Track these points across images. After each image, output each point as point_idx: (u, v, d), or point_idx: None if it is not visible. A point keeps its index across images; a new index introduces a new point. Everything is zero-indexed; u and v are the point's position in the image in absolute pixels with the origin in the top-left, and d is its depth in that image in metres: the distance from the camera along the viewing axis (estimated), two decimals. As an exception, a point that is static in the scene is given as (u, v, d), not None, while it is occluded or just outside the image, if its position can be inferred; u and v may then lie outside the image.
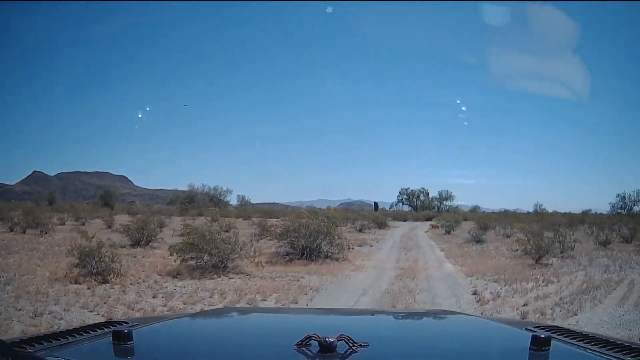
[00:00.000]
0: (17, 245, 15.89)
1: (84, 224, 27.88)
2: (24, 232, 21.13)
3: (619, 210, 54.57)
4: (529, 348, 1.23)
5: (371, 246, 19.96)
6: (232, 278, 10.71)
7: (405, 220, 54.35)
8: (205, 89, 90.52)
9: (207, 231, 11.95)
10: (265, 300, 8.53)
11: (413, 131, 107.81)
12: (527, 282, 11.24)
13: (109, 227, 24.58)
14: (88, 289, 8.86)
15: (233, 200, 64.96)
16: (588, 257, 16.10)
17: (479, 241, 20.92)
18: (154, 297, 8.49)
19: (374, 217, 36.33)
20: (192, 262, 11.37)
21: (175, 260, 11.20)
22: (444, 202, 71.72)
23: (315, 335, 1.17)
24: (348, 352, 1.15)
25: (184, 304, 7.97)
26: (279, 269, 12.39)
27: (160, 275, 10.63)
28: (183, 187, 63.14)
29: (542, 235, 16.37)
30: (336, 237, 15.42)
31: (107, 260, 9.65)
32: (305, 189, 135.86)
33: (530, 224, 38.57)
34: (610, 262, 14.94)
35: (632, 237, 20.79)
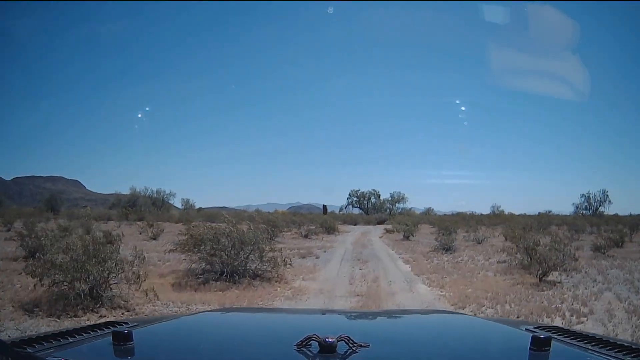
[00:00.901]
0: None
1: (9, 230, 24.03)
2: None
3: (584, 212, 53.35)
4: (529, 348, 1.23)
5: (317, 257, 15.46)
6: (105, 316, 7.04)
7: (355, 224, 50.74)
8: (159, 93, 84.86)
9: (81, 243, 7.72)
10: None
11: (365, 134, 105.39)
12: (548, 315, 7.34)
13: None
14: None
15: (178, 204, 63.47)
16: (595, 269, 12.51)
17: (448, 249, 16.99)
18: None
19: (322, 221, 31.96)
20: (61, 288, 7.49)
21: (35, 286, 7.47)
22: (397, 205, 68.91)
23: (315, 336, 1.17)
24: (348, 352, 1.15)
25: None
26: (184, 298, 8.49)
27: (14, 307, 7.35)
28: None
29: (535, 241, 12.61)
30: (267, 250, 10.80)
31: None
32: (254, 193, 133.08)
33: (494, 226, 35.99)
34: (628, 275, 11.42)
35: (622, 240, 17.73)
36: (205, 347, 1.36)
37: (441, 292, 9.43)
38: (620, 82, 73.81)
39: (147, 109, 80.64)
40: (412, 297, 8.93)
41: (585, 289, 9.68)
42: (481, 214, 53.85)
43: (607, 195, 54.39)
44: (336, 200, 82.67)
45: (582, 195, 55.17)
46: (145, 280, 7.72)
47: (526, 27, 21.37)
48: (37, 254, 11.51)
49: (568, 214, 51.84)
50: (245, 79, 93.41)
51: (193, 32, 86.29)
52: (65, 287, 7.25)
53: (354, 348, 1.16)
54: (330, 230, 30.68)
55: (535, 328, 1.55)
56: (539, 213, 52.73)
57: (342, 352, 1.14)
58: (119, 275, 7.65)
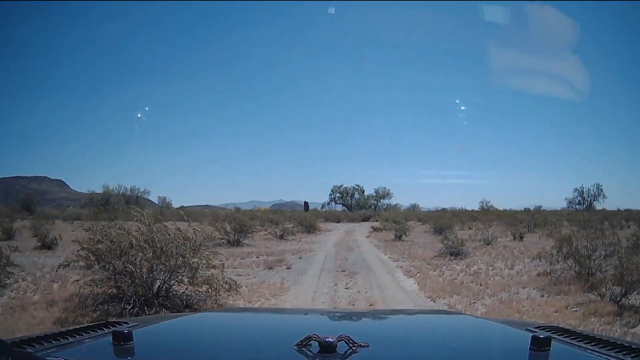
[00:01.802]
0: None
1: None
2: None
3: (577, 207, 51.14)
4: (529, 348, 1.22)
5: (289, 268, 11.63)
6: None
7: (339, 222, 47.06)
8: (145, 93, 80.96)
9: None
10: None
11: (346, 130, 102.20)
12: None
13: None
14: None
15: (156, 202, 61.21)
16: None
17: (456, 253, 13.33)
18: None
19: (301, 219, 28.15)
20: None
21: None
22: (381, 201, 65.42)
23: (315, 336, 1.17)
24: (348, 352, 1.14)
25: None
26: None
27: None
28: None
29: (589, 246, 9.05)
30: (202, 264, 6.98)
31: None
32: (238, 191, 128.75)
33: (490, 223, 32.77)
34: None
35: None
36: (205, 347, 1.35)
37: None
38: (620, 82, 71.54)
39: (134, 109, 78.53)
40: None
41: None
42: (473, 210, 50.88)
43: (602, 189, 52.30)
44: (319, 197, 79.89)
45: (576, 190, 52.85)
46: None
47: (526, 27, 20.59)
48: None
49: (559, 208, 49.63)
50: (230, 78, 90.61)
51: (177, 31, 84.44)
52: None
53: (354, 348, 1.15)
54: (310, 229, 26.91)
55: (535, 328, 1.54)
56: (525, 209, 50.62)
57: (342, 352, 1.14)
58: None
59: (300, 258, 13.84)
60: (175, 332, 1.59)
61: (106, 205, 48.92)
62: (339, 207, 66.52)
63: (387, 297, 8.05)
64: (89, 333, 1.39)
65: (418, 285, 9.16)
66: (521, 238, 21.23)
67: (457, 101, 68.92)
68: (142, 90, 76.52)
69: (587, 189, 52.66)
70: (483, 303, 7.51)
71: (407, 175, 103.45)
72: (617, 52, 65.92)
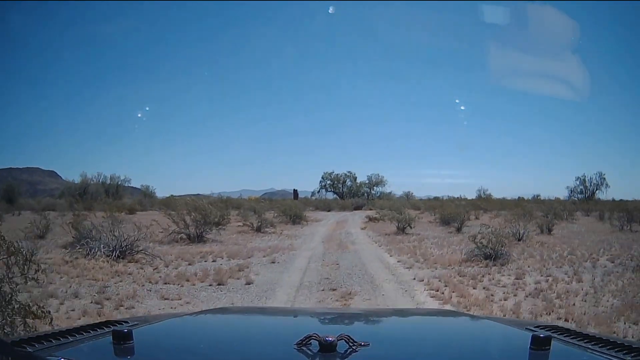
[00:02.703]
0: None
1: None
2: None
3: (578, 196, 48.23)
4: (529, 348, 1.19)
5: (249, 283, 7.66)
6: None
7: (329, 210, 43.21)
8: (137, 84, 77.34)
9: None
10: None
11: (339, 116, 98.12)
12: None
13: None
14: None
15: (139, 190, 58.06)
16: None
17: (493, 257, 9.43)
18: None
19: (285, 208, 24.22)
20: None
21: None
22: (374, 188, 61.44)
23: (315, 335, 1.14)
24: (348, 351, 1.12)
25: None
26: None
27: None
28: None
29: None
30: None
31: None
32: (229, 180, 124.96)
33: (498, 213, 29.13)
34: None
35: None
36: (205, 347, 1.33)
37: None
38: (620, 82, 70.11)
39: (127, 100, 76.14)
40: None
41: None
42: (474, 199, 47.49)
43: (604, 178, 49.29)
44: (311, 186, 76.54)
45: (578, 178, 49.65)
46: None
47: (526, 27, 20.65)
48: None
49: (561, 198, 46.72)
50: (225, 71, 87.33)
51: (174, 27, 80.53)
52: None
53: (354, 347, 1.13)
54: (296, 219, 22.97)
55: (535, 327, 1.49)
56: (519, 197, 47.87)
57: (342, 352, 1.12)
58: None
59: (273, 262, 9.90)
60: (175, 331, 1.56)
61: (84, 195, 47.28)
62: (330, 195, 62.67)
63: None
64: (89, 332, 1.37)
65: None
66: (549, 231, 17.60)
67: (457, 101, 67.00)
68: (136, 82, 74.70)
69: (589, 178, 49.60)
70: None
71: (406, 175, 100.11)
72: (617, 52, 64.50)
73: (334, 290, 7.04)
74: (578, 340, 1.32)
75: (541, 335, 1.21)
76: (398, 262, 10.06)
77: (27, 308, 3.20)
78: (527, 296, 6.61)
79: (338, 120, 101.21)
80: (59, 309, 5.71)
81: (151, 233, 14.56)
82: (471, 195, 53.23)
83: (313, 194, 63.48)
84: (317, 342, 1.12)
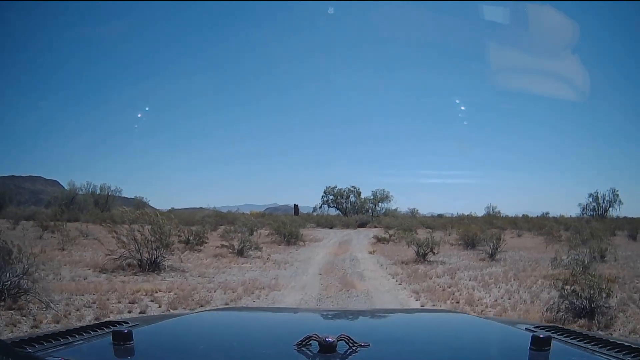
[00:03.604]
0: None
1: None
2: None
3: (591, 213, 45.36)
4: (529, 348, 1.19)
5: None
6: None
7: (331, 227, 39.64)
8: (141, 94, 75.81)
9: None
10: None
11: (342, 131, 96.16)
12: None
13: None
14: None
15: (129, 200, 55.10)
16: None
17: (590, 311, 5.78)
18: None
19: (279, 225, 20.64)
20: None
21: None
22: (379, 204, 57.76)
23: (315, 335, 1.14)
24: (348, 352, 1.12)
25: None
26: None
27: None
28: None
29: None
30: None
31: None
32: (233, 194, 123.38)
33: (517, 232, 25.50)
34: None
35: None
36: (205, 347, 1.32)
37: None
38: (620, 82, 69.07)
39: (132, 109, 75.69)
40: None
41: None
42: (487, 215, 44.15)
43: (617, 194, 46.29)
44: (313, 200, 73.79)
45: (590, 195, 46.86)
46: None
47: (526, 27, 20.61)
48: None
49: (573, 215, 43.99)
50: (226, 79, 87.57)
51: (174, 32, 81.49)
52: None
53: (354, 347, 1.13)
54: (291, 238, 19.38)
55: (535, 327, 1.50)
56: (523, 215, 46.12)
57: (342, 352, 1.11)
58: None
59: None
60: (175, 331, 1.55)
61: (71, 204, 46.05)
62: (333, 211, 59.01)
63: None
64: (89, 333, 1.36)
65: None
66: (601, 257, 14.16)
67: (457, 101, 65.74)
68: (141, 92, 72.88)
69: (602, 194, 46.60)
70: None
71: (406, 175, 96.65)
72: (617, 52, 63.43)
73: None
74: (578, 341, 1.32)
75: (541, 336, 1.20)
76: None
77: None
78: None
79: (343, 133, 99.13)
80: None
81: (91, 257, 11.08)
82: (480, 211, 50.41)
83: (314, 209, 59.99)
84: (317, 343, 1.12)
